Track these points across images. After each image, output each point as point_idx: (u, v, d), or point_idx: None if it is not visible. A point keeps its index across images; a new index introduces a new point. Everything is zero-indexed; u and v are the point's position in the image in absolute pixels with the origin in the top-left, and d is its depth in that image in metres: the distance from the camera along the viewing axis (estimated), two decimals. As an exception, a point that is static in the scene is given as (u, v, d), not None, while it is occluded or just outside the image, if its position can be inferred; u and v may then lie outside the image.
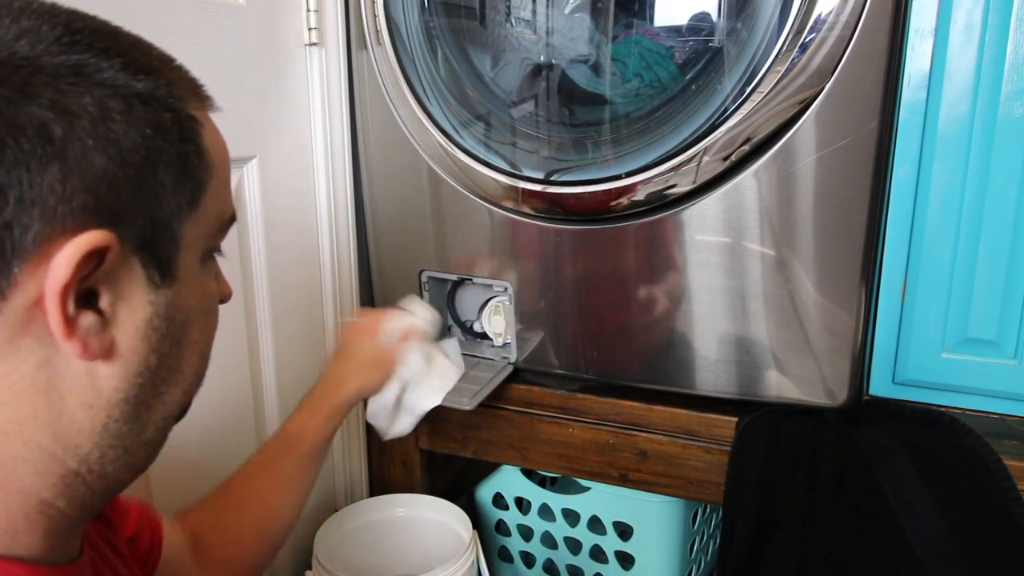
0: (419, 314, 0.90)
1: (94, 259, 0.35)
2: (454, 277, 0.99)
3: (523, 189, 0.88)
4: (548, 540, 1.11)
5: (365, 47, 0.97)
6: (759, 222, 0.79)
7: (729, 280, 0.82)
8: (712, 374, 0.86)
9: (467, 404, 0.89)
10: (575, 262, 0.90)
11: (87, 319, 0.36)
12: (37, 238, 0.33)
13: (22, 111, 0.33)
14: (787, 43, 0.72)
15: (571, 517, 1.08)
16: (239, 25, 0.87)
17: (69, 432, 0.38)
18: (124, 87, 0.37)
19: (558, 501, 1.07)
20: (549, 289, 0.92)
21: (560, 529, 1.09)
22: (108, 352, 0.37)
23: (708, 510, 1.11)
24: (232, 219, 0.47)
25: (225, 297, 0.49)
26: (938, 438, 0.77)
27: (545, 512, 1.10)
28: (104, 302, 0.37)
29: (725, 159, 0.77)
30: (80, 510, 0.41)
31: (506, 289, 0.95)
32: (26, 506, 0.38)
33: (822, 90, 0.73)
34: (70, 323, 0.35)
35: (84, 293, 0.36)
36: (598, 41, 0.90)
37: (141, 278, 0.38)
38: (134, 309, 0.38)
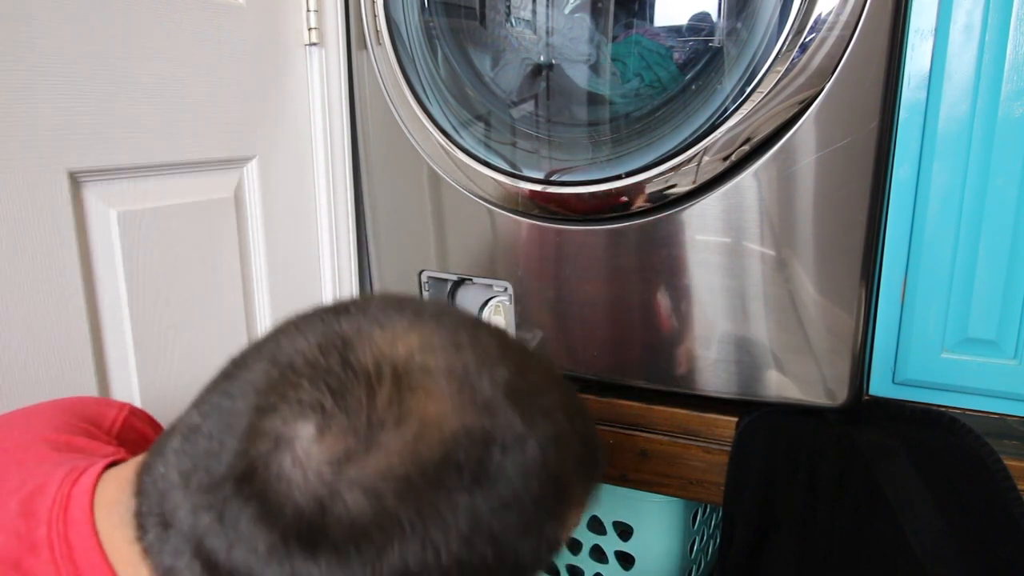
0: None
1: None
2: (454, 277, 0.99)
3: (523, 189, 0.88)
4: (548, 540, 1.11)
5: (365, 47, 0.97)
6: (759, 222, 0.79)
7: (729, 280, 0.82)
8: (712, 374, 0.86)
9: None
10: (575, 262, 0.89)
11: None
12: None
13: (400, 559, 0.35)
14: (787, 43, 0.72)
15: (571, 517, 1.08)
16: (239, 25, 0.87)
17: None
18: (511, 538, 0.38)
19: (558, 501, 1.07)
20: (549, 289, 0.92)
21: (560, 529, 1.08)
22: None
23: (708, 510, 1.11)
24: None
25: None
26: (938, 438, 0.77)
27: (545, 512, 1.09)
28: None
29: (725, 159, 0.77)
30: None
31: (506, 289, 0.95)
32: None
33: (822, 90, 0.73)
34: None
35: None
36: (598, 41, 0.90)
37: None
38: None
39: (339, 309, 0.41)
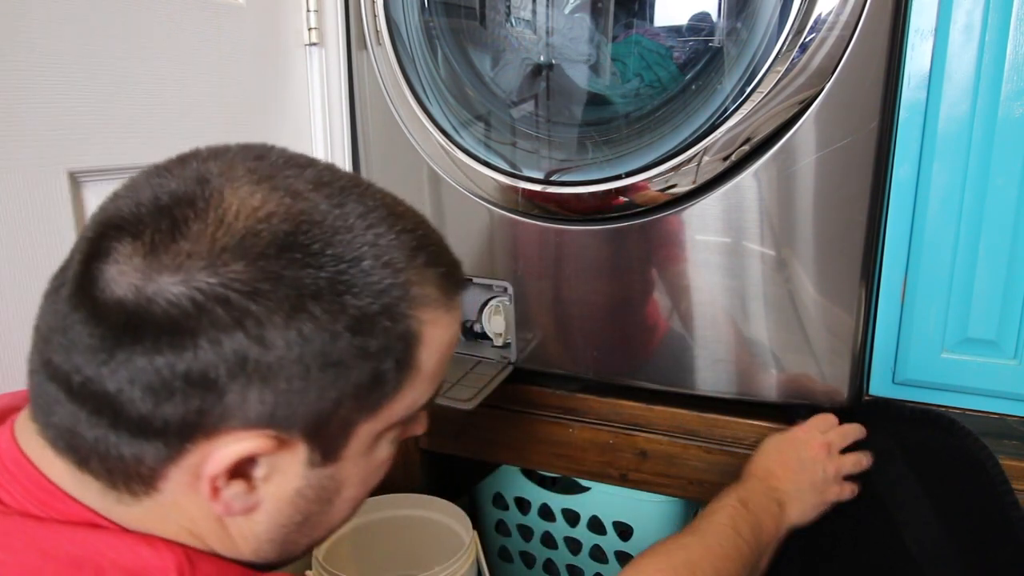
0: None
1: (250, 458, 0.40)
2: (454, 277, 0.99)
3: (523, 189, 0.88)
4: (548, 540, 1.11)
5: (365, 47, 0.97)
6: (759, 222, 0.79)
7: (729, 280, 0.82)
8: (712, 374, 0.86)
9: (467, 404, 0.89)
10: (575, 262, 0.89)
11: (235, 488, 0.40)
12: (214, 427, 0.38)
13: (230, 339, 0.37)
14: (787, 43, 0.72)
15: (571, 517, 1.08)
16: (239, 25, 0.87)
17: (228, 547, 0.43)
18: (348, 311, 0.39)
19: (558, 501, 1.07)
20: (549, 289, 0.92)
21: (560, 529, 1.09)
22: (251, 510, 0.42)
23: (708, 510, 1.11)
24: (430, 403, 0.48)
25: (417, 434, 0.51)
26: (936, 439, 0.77)
27: (545, 512, 1.09)
28: (258, 472, 0.41)
29: (725, 159, 0.77)
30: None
31: (506, 289, 0.95)
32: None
33: (822, 90, 0.73)
34: (217, 492, 0.40)
35: (246, 464, 0.40)
36: (598, 41, 0.90)
37: (302, 456, 0.41)
38: (287, 479, 0.42)
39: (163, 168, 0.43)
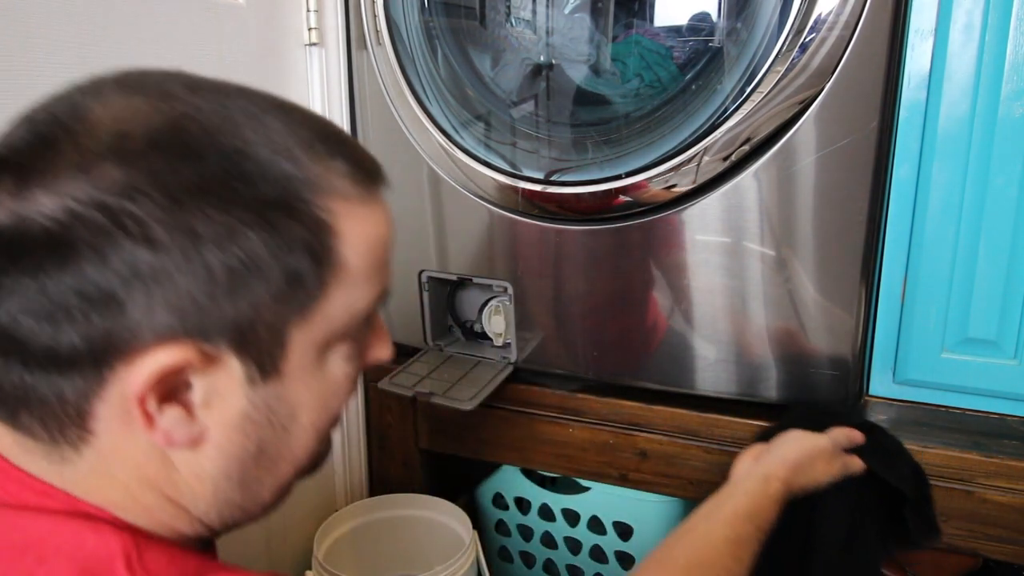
0: None
1: (173, 372, 0.37)
2: (454, 277, 0.99)
3: (523, 189, 0.88)
4: (548, 540, 1.11)
5: (365, 47, 0.97)
6: (759, 222, 0.79)
7: (729, 280, 0.82)
8: (712, 374, 0.86)
9: (467, 404, 0.89)
10: (575, 262, 0.89)
11: (171, 414, 0.38)
12: (125, 346, 0.36)
13: (115, 245, 0.34)
14: (787, 43, 0.72)
15: (571, 517, 1.08)
16: (239, 25, 0.87)
17: (186, 495, 0.41)
18: (243, 202, 0.36)
19: (558, 501, 1.07)
20: (549, 289, 0.92)
21: (560, 529, 1.09)
22: (197, 441, 0.39)
23: (708, 510, 1.11)
24: (371, 310, 0.44)
25: (380, 361, 0.48)
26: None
27: (545, 512, 1.09)
28: (196, 395, 0.38)
29: (725, 159, 0.78)
30: (211, 533, 0.45)
31: (506, 289, 0.95)
32: (162, 525, 0.42)
33: (822, 90, 0.73)
34: (151, 419, 0.37)
35: (177, 385, 0.38)
36: (598, 41, 0.90)
37: (238, 373, 0.39)
38: (229, 403, 0.39)
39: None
